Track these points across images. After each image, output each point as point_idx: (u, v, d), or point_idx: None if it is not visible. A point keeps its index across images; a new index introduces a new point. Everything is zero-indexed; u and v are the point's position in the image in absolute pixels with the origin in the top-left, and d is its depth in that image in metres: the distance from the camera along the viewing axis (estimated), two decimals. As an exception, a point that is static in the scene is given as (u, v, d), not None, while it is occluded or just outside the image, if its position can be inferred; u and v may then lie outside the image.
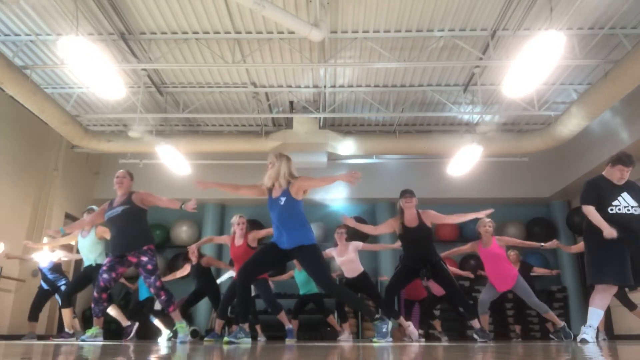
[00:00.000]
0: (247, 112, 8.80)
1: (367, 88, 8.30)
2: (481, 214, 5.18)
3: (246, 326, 4.10)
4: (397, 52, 7.17)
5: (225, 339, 4.01)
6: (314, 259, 3.88)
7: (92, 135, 8.62)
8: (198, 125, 9.88)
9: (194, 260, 7.01)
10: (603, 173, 4.39)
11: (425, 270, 5.14)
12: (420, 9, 6.27)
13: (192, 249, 6.69)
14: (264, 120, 9.42)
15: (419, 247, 5.21)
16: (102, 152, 9.26)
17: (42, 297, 6.95)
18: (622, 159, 4.25)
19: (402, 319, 5.95)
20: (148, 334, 8.04)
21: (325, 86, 8.14)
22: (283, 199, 3.86)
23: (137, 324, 6.49)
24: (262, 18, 6.37)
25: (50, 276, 6.85)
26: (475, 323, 5.27)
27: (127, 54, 7.10)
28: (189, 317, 7.60)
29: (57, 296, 6.99)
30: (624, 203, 4.18)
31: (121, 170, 4.97)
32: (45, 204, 8.95)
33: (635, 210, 4.15)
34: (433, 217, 5.25)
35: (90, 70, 6.19)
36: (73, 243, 6.85)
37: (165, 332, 5.92)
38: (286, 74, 7.92)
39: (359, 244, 6.54)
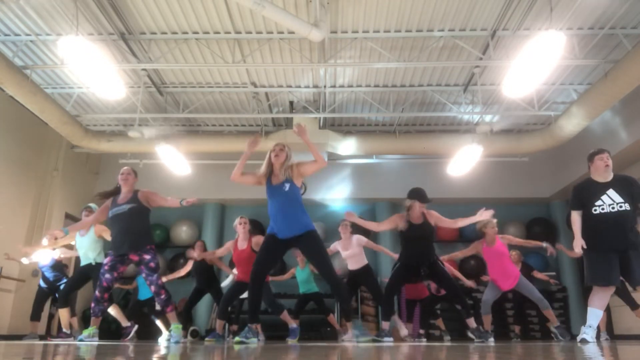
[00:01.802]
0: (247, 112, 8.80)
1: (367, 88, 8.30)
2: (484, 216, 5.13)
3: (255, 326, 4.10)
4: (397, 52, 7.17)
5: (237, 338, 4.04)
6: (318, 244, 3.94)
7: (92, 135, 8.62)
8: (198, 125, 9.88)
9: (197, 257, 7.00)
10: (590, 175, 4.42)
11: (424, 269, 5.16)
12: (420, 9, 6.27)
13: (194, 256, 6.68)
14: (264, 120, 9.42)
15: (421, 245, 5.21)
16: (102, 152, 9.26)
17: (42, 297, 6.86)
18: (594, 151, 4.38)
19: (395, 317, 6.03)
20: (148, 335, 8.04)
21: (325, 86, 8.14)
22: (287, 185, 3.93)
23: (136, 326, 6.47)
24: (262, 18, 6.37)
25: (50, 275, 6.77)
26: (471, 322, 5.29)
27: (127, 54, 7.10)
28: (190, 317, 7.60)
29: (57, 296, 6.97)
30: (609, 201, 4.17)
31: (126, 167, 4.95)
32: (45, 204, 8.95)
33: (620, 207, 4.13)
34: (436, 218, 5.28)
35: (90, 70, 6.19)
36: (73, 243, 6.78)
37: (166, 333, 5.91)
38: (286, 74, 7.92)
39: (362, 239, 6.45)
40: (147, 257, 4.65)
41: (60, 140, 9.12)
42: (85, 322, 8.90)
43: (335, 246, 6.53)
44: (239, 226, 5.94)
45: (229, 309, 6.23)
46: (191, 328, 8.03)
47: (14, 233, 8.15)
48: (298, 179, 4.04)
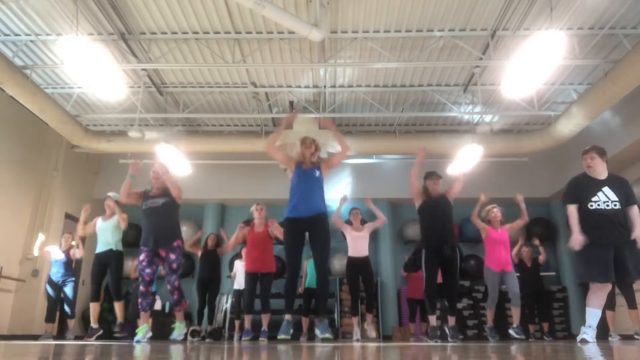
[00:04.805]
0: (247, 112, 8.79)
1: (367, 88, 8.30)
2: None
3: (290, 317, 4.24)
4: (397, 52, 7.17)
5: (282, 335, 4.13)
6: (328, 228, 4.27)
7: (92, 135, 8.62)
8: (198, 125, 9.88)
9: (210, 245, 7.41)
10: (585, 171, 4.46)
11: (447, 249, 5.07)
12: (420, 9, 6.27)
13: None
14: (264, 120, 9.42)
15: (441, 219, 5.23)
16: (102, 152, 9.25)
17: (53, 303, 6.93)
18: (583, 150, 4.43)
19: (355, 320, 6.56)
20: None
21: (325, 86, 8.14)
22: (317, 172, 4.40)
23: (101, 331, 6.44)
24: (262, 18, 6.37)
25: (60, 270, 6.80)
26: (452, 320, 5.29)
27: (127, 54, 7.10)
28: (202, 316, 7.69)
29: (65, 306, 6.93)
30: (604, 198, 4.20)
31: (156, 166, 5.04)
32: (45, 204, 8.95)
33: (615, 205, 4.16)
34: (450, 191, 5.44)
35: (90, 70, 6.19)
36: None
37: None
38: (286, 74, 7.92)
39: (371, 224, 6.74)
40: (172, 256, 4.76)
41: (60, 140, 9.12)
42: (85, 322, 8.90)
43: (345, 227, 6.70)
44: (256, 212, 6.14)
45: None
46: (191, 328, 8.01)
47: (14, 233, 8.15)
48: (325, 171, 4.47)
